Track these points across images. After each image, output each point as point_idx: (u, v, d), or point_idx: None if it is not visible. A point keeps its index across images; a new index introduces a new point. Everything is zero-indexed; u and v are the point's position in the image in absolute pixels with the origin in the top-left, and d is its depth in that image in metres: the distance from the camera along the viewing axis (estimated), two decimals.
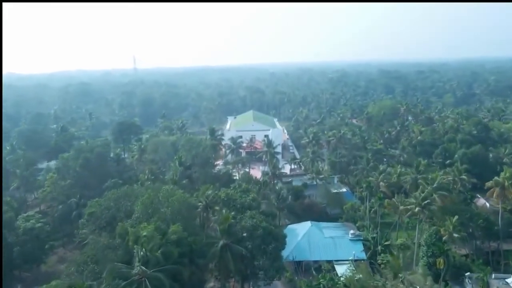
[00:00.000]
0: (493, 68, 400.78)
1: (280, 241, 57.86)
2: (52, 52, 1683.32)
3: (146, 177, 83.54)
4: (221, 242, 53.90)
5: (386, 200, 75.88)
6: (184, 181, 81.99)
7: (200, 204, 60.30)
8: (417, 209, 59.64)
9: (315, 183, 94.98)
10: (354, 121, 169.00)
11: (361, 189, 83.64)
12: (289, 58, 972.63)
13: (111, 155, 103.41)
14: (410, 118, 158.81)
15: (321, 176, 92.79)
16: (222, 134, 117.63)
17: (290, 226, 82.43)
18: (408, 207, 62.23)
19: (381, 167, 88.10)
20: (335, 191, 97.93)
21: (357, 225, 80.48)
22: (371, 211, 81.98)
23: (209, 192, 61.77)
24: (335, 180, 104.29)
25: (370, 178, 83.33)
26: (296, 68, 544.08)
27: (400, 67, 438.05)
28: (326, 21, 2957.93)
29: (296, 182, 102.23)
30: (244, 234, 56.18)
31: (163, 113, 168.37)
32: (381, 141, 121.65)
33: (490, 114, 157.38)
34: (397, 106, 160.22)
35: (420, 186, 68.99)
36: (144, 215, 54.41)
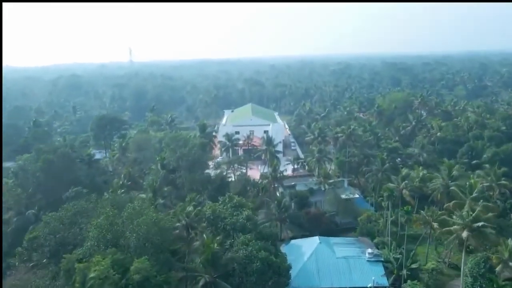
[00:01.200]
0: (502, 60, 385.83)
1: (284, 274, 44.08)
2: (50, 45, 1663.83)
3: (121, 182, 69.71)
4: (202, 280, 40.06)
5: (414, 215, 61.85)
6: (166, 188, 68.24)
7: (178, 224, 46.27)
8: (465, 233, 45.50)
9: (322, 188, 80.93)
10: (361, 115, 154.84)
11: (381, 198, 69.27)
12: (289, 51, 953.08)
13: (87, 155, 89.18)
14: (423, 112, 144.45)
15: (330, 181, 78.64)
16: (215, 131, 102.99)
17: (294, 242, 68.59)
18: (452, 228, 47.92)
19: (404, 171, 73.85)
20: (346, 196, 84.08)
21: (375, 241, 66.51)
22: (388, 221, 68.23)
23: (190, 208, 47.56)
24: (345, 183, 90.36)
25: (390, 184, 69.19)
26: (297, 61, 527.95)
27: (402, 59, 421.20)
28: (326, 16, 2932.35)
29: (300, 187, 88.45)
30: (235, 265, 42.35)
31: (153, 106, 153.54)
32: (396, 138, 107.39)
33: (511, 108, 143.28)
34: (410, 99, 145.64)
35: (467, 204, 53.95)
36: (101, 242, 40.47)
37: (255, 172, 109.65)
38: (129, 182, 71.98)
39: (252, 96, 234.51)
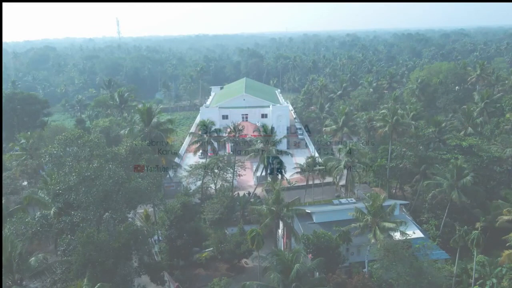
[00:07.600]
0: None
1: None
2: (45, 20, 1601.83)
3: None
4: None
5: None
6: (41, 255, 31.01)
7: None
8: None
9: (371, 239, 43.45)
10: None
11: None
12: (290, 27, 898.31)
13: None
14: (478, 88, 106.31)
15: (389, 225, 41.11)
16: (170, 121, 63.07)
17: None
18: None
19: None
20: (401, 236, 46.31)
21: None
22: None
23: None
24: (397, 210, 52.80)
25: None
26: (299, 35, 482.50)
27: (413, 33, 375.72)
28: None
29: (320, 218, 51.50)
30: None
31: (108, 80, 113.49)
32: (470, 129, 68.93)
33: None
34: (462, 71, 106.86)
35: None
36: None
37: (248, 178, 74.57)
38: None
39: (249, 71, 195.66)
